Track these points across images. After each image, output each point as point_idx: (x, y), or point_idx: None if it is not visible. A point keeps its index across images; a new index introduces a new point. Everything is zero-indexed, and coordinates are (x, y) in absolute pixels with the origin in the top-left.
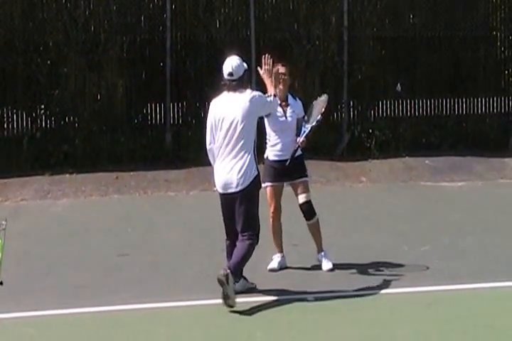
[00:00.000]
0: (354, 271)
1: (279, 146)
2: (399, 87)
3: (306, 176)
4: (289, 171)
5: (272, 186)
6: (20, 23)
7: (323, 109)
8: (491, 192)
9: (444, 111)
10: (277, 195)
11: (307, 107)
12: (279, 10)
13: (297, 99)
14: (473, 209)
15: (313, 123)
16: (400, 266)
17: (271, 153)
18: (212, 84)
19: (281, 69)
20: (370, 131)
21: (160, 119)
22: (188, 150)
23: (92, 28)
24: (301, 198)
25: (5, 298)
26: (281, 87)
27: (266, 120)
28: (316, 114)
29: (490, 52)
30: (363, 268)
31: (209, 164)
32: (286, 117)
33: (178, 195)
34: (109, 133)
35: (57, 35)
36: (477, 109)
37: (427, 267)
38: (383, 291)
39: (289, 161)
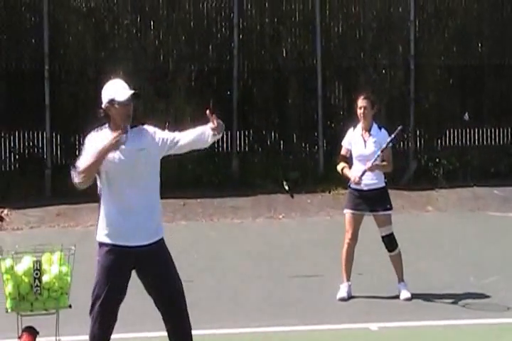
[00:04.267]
0: (419, 300)
1: None
2: (466, 116)
3: (389, 209)
4: (369, 201)
5: (351, 214)
6: (92, 53)
7: (391, 139)
8: None
9: None
10: (356, 223)
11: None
12: (345, 38)
13: (382, 129)
14: None
15: (378, 152)
16: (466, 296)
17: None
18: (279, 111)
19: (362, 102)
20: (437, 159)
21: (227, 146)
22: (254, 177)
23: (161, 57)
24: (383, 231)
25: (73, 320)
26: (361, 119)
27: (351, 149)
28: (385, 143)
29: None
30: (427, 298)
31: (275, 192)
32: (365, 147)
33: (244, 222)
34: (176, 160)
35: (127, 63)
36: None
37: (491, 299)
38: (447, 322)
39: (360, 174)
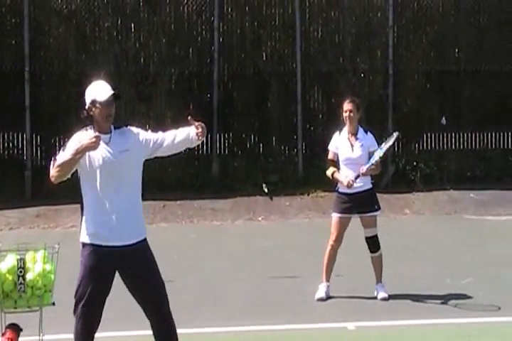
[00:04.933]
0: (396, 300)
1: None
2: (444, 120)
3: (376, 210)
4: (357, 203)
5: (339, 218)
6: (73, 55)
7: (388, 146)
8: None
9: (490, 144)
10: (342, 226)
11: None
12: (325, 43)
13: (368, 132)
14: None
15: (376, 158)
16: (442, 297)
17: (340, 184)
18: (259, 115)
19: (347, 106)
20: (415, 163)
21: (207, 149)
22: (234, 180)
23: (142, 60)
24: (368, 232)
25: (56, 319)
26: (347, 123)
27: (338, 153)
28: (383, 149)
29: None
30: (404, 298)
31: (254, 194)
32: (352, 150)
33: (224, 224)
34: (157, 162)
35: (108, 66)
36: None
37: (468, 299)
38: (423, 321)
39: (354, 178)
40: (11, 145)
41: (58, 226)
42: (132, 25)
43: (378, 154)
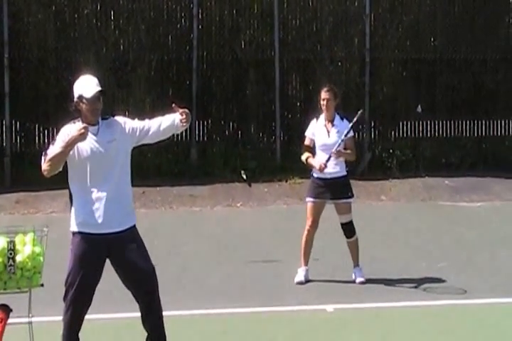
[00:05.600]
0: (373, 284)
1: None
2: (419, 108)
3: (350, 197)
4: (331, 189)
5: (313, 202)
6: (52, 42)
7: (353, 123)
8: (509, 212)
9: (464, 132)
10: (317, 211)
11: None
12: (302, 31)
13: (344, 119)
14: (491, 228)
15: (342, 137)
16: (418, 280)
17: (315, 169)
18: (237, 102)
19: (325, 94)
20: (391, 150)
21: (186, 136)
22: (213, 167)
23: (121, 47)
24: (343, 218)
25: (45, 301)
26: (324, 111)
27: (315, 140)
28: (349, 126)
29: (510, 75)
30: (381, 282)
31: (233, 181)
32: (329, 136)
33: (203, 210)
34: (136, 149)
35: (87, 53)
36: (497, 130)
37: (442, 283)
38: (399, 304)
39: (325, 160)
40: None
41: (38, 212)
42: (112, 12)
43: (345, 132)
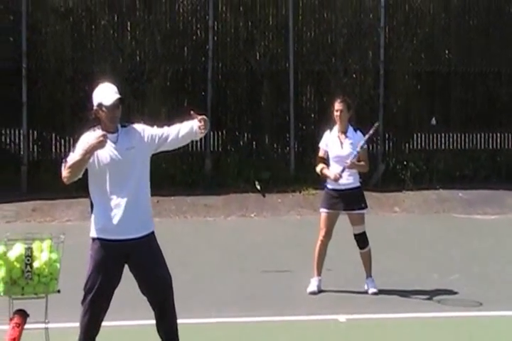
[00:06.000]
0: (386, 295)
1: None
2: (434, 121)
3: (363, 208)
4: (345, 200)
5: (327, 213)
6: (69, 52)
7: (369, 135)
8: None
9: (478, 144)
10: (331, 221)
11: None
12: (317, 43)
13: (358, 131)
14: (504, 240)
15: (358, 149)
16: (430, 292)
17: (329, 180)
18: (251, 113)
19: (338, 105)
20: (405, 162)
21: (200, 146)
22: (227, 177)
23: (138, 58)
24: (357, 229)
25: (61, 307)
26: (338, 122)
27: (328, 151)
28: (364, 139)
29: None
30: (394, 293)
31: (247, 191)
32: (342, 147)
33: (217, 219)
34: (151, 158)
35: (104, 64)
36: (510, 143)
37: (454, 294)
38: (412, 315)
39: (340, 171)
40: (7, 140)
41: (54, 220)
42: (128, 23)
43: (360, 144)
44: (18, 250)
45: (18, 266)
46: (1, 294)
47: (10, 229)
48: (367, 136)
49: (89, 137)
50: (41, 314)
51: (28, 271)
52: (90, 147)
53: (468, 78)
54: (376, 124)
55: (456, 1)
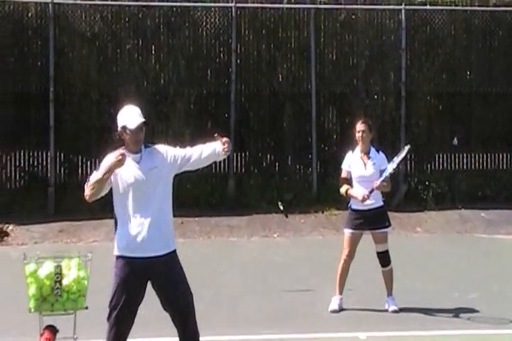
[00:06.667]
0: (406, 313)
1: None
2: (455, 141)
3: (387, 227)
4: (369, 220)
5: (351, 233)
6: (95, 76)
7: (402, 158)
8: None
9: (500, 164)
10: (354, 242)
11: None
12: (339, 65)
13: (380, 152)
14: None
15: (390, 171)
16: (450, 310)
17: (353, 201)
18: (274, 134)
19: (360, 126)
20: (427, 183)
21: (223, 168)
22: (250, 198)
23: (162, 81)
24: (380, 247)
25: (89, 324)
26: (360, 143)
27: (351, 172)
28: (396, 162)
29: None
30: (414, 311)
31: (270, 212)
32: (365, 168)
33: (240, 240)
34: (175, 180)
35: (129, 87)
36: None
37: (473, 313)
38: (430, 333)
39: (368, 192)
40: (35, 162)
41: (81, 241)
42: (152, 47)
43: (391, 166)
44: (48, 268)
45: (48, 283)
46: (32, 310)
47: (38, 250)
48: (399, 159)
49: (111, 157)
50: (70, 330)
51: (57, 288)
52: (110, 166)
53: (489, 98)
54: (407, 147)
55: (477, 22)
